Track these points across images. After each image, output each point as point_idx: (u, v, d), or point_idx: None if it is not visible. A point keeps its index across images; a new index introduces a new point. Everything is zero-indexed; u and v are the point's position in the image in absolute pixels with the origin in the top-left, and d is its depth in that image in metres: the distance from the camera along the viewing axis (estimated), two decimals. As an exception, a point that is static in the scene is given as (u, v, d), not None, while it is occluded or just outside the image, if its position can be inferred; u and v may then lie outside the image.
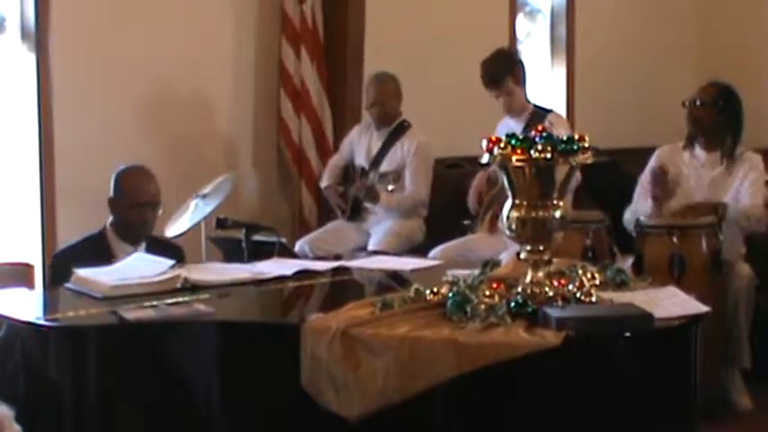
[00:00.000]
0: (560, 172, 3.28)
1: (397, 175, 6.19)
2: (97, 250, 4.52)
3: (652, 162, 5.77)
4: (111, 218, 4.72)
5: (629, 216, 5.65)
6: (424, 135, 6.43)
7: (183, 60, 6.58)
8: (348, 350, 3.12)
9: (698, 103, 5.65)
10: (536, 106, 6.12)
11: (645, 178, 5.70)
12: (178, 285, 3.86)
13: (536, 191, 3.28)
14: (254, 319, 3.89)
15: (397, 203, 6.30)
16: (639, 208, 5.60)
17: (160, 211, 4.75)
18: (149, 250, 4.53)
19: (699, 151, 5.67)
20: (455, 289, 3.31)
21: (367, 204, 6.39)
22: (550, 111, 6.21)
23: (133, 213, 4.63)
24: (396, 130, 6.44)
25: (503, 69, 5.98)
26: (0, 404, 2.53)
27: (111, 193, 4.70)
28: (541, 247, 3.32)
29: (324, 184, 6.62)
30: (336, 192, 6.53)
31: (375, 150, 6.46)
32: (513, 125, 5.88)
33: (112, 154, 5.89)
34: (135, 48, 6.36)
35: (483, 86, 6.03)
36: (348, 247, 6.18)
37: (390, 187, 6.15)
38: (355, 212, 6.48)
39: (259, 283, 4.02)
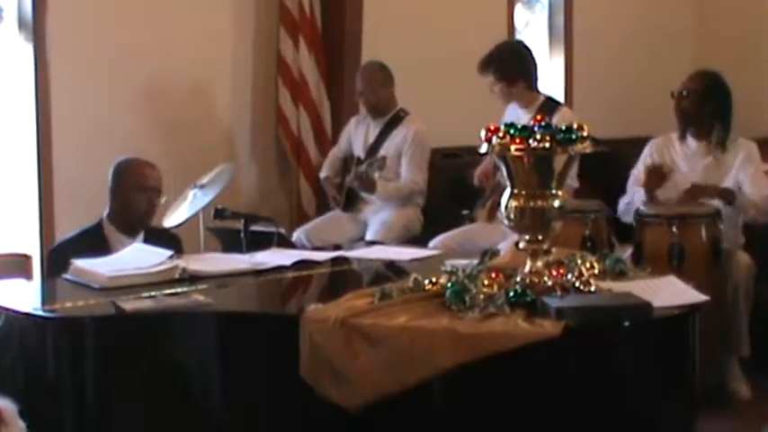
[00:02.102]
0: (559, 161, 3.28)
1: (383, 162, 6.18)
2: (94, 243, 4.50)
3: (645, 154, 5.79)
4: (107, 210, 4.71)
5: (623, 207, 5.70)
6: (421, 123, 6.42)
7: (182, 50, 6.57)
8: (347, 340, 3.12)
9: (684, 93, 5.67)
10: (548, 98, 6.12)
11: (638, 170, 5.73)
12: (176, 276, 3.86)
13: (535, 180, 3.28)
14: (253, 309, 3.90)
15: (395, 191, 6.29)
16: (635, 198, 5.62)
17: (163, 199, 4.75)
18: (147, 240, 4.52)
19: (690, 140, 5.69)
20: (454, 279, 3.31)
21: (364, 195, 6.39)
22: (561, 104, 6.21)
23: (141, 199, 4.62)
24: (392, 119, 6.44)
25: (487, 60, 5.99)
26: (5, 399, 2.52)
27: (112, 182, 4.70)
28: (540, 237, 3.32)
29: (322, 175, 6.63)
30: (333, 184, 6.53)
31: (371, 140, 6.46)
32: (521, 113, 5.89)
33: (110, 144, 5.89)
34: (133, 38, 6.35)
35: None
36: (345, 237, 6.18)
37: (377, 174, 6.15)
38: (350, 202, 6.47)
39: (258, 273, 4.03)
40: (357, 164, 6.43)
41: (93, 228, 4.69)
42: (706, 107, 5.63)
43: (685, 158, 5.69)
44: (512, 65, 6.04)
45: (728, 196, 5.43)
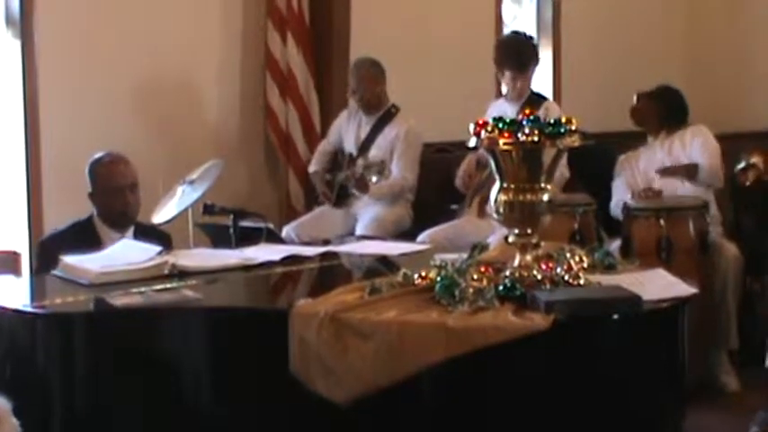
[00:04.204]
0: (548, 155, 3.29)
1: (382, 166, 6.18)
2: (85, 237, 4.50)
3: (616, 171, 5.98)
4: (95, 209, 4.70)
5: (614, 206, 5.79)
6: (413, 120, 6.42)
7: (170, 46, 6.56)
8: (337, 335, 3.12)
9: (637, 98, 6.03)
10: (533, 92, 6.15)
11: (619, 182, 5.94)
12: (166, 272, 3.85)
13: (524, 174, 3.28)
14: (243, 304, 3.89)
15: (388, 190, 6.29)
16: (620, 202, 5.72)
17: (141, 192, 4.73)
18: (137, 237, 4.51)
19: (649, 140, 5.95)
20: (443, 273, 3.31)
21: (355, 192, 6.39)
22: (546, 98, 6.24)
23: (114, 199, 4.61)
24: (384, 115, 6.43)
25: (531, 55, 6.06)
26: None
27: (89, 186, 4.69)
28: (529, 231, 3.33)
29: (312, 169, 6.62)
30: (323, 179, 6.53)
31: (363, 136, 6.45)
32: (507, 108, 5.90)
33: (98, 141, 5.86)
34: (120, 34, 6.34)
35: (499, 65, 6.05)
36: (335, 232, 6.17)
37: (374, 179, 6.15)
38: (341, 199, 6.47)
39: (247, 268, 4.02)
40: (350, 161, 6.43)
41: (85, 221, 4.68)
42: (658, 105, 5.91)
43: (645, 155, 5.84)
44: (538, 55, 6.22)
45: (692, 170, 5.65)
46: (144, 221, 4.94)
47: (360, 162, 6.32)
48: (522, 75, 6.00)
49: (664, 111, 5.90)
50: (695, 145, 5.75)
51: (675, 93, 5.98)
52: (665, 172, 5.72)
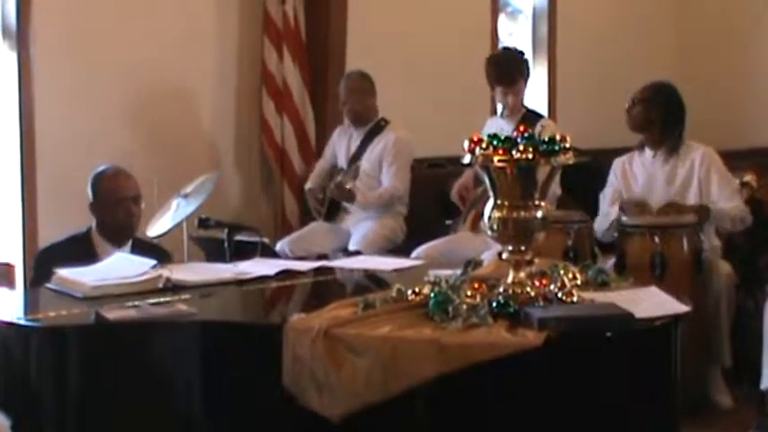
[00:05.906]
0: (542, 172, 3.29)
1: (356, 170, 6.17)
2: (82, 250, 4.48)
3: (611, 174, 5.78)
4: (95, 220, 4.70)
5: (599, 231, 5.66)
6: (403, 131, 6.43)
7: (166, 59, 6.57)
8: (330, 350, 3.12)
9: (633, 102, 5.69)
10: (528, 110, 6.15)
11: (607, 192, 5.74)
12: (160, 285, 3.85)
13: (518, 191, 3.29)
14: (237, 319, 3.89)
15: (376, 199, 6.29)
16: (610, 217, 5.59)
17: (143, 205, 4.74)
18: (135, 252, 4.50)
19: (647, 150, 5.68)
20: (437, 289, 3.31)
21: (345, 204, 6.40)
22: (542, 116, 6.25)
23: (118, 210, 4.61)
24: (373, 128, 6.45)
25: (518, 69, 6.02)
26: None
27: (91, 197, 4.68)
28: (523, 248, 3.33)
29: (307, 186, 6.62)
30: (316, 196, 6.53)
31: (353, 150, 6.46)
32: (503, 125, 5.90)
33: (94, 153, 5.88)
34: (117, 47, 6.35)
35: (490, 82, 6.04)
36: (328, 247, 6.18)
37: (349, 185, 6.15)
38: (333, 213, 6.48)
39: (241, 283, 4.02)
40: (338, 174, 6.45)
41: (82, 235, 4.67)
42: (653, 114, 5.61)
43: (644, 169, 5.68)
44: (528, 69, 6.14)
45: (703, 213, 5.38)
46: (142, 237, 4.93)
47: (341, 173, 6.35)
48: (512, 89, 5.98)
49: (658, 115, 5.58)
50: (713, 182, 5.48)
51: (674, 95, 5.69)
52: (669, 211, 5.42)
